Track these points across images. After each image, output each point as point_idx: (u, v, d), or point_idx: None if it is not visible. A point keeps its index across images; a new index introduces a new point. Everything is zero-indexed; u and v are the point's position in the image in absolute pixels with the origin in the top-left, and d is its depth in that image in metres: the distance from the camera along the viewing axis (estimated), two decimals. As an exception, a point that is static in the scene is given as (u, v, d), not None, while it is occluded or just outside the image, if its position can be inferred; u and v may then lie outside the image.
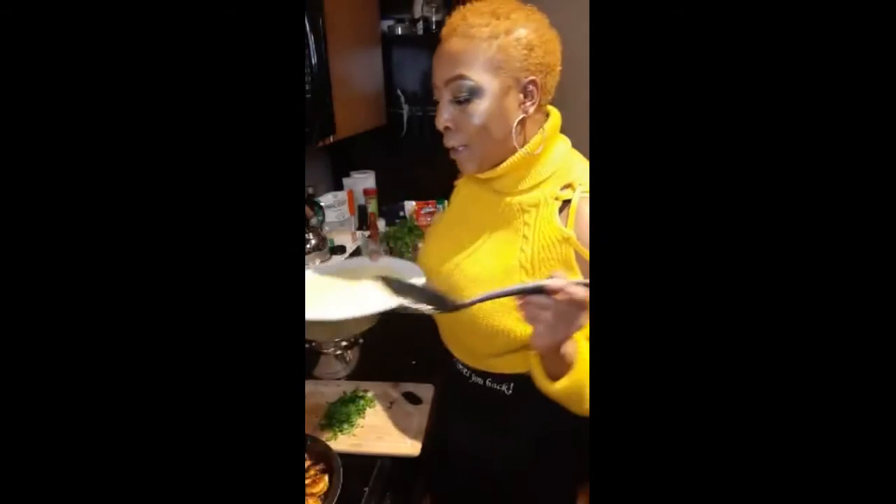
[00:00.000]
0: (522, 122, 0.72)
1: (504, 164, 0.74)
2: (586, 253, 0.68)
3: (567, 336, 0.62)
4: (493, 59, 0.68)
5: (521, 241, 0.74)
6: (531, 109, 0.71)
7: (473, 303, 0.67)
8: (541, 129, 0.74)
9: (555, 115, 0.78)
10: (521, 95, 0.71)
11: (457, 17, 0.71)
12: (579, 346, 0.67)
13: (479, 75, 0.68)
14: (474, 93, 0.69)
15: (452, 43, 0.70)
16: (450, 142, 0.74)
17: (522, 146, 0.73)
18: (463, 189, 0.88)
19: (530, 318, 0.62)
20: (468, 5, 0.72)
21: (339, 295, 0.84)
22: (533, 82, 0.70)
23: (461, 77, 0.69)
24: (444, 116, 0.72)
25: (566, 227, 0.71)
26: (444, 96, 0.72)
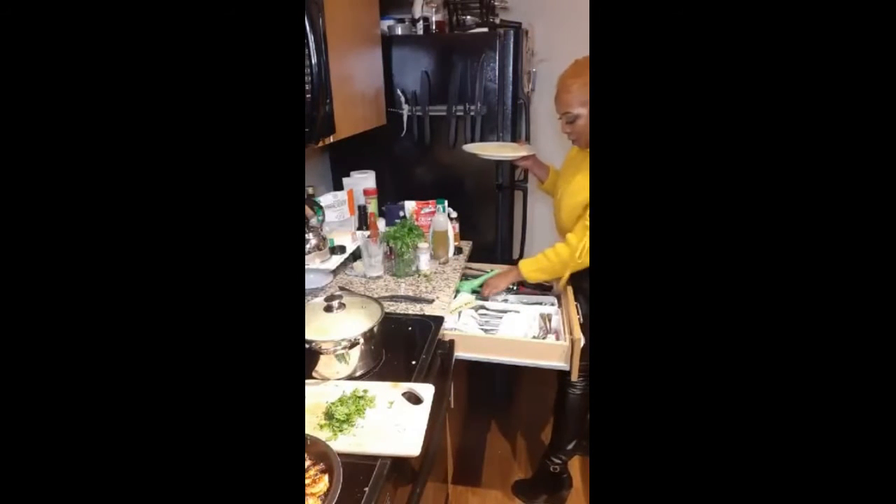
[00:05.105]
0: None
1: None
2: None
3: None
4: (581, 99, 1.45)
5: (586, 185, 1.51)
6: None
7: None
8: None
9: None
10: None
11: (564, 77, 1.48)
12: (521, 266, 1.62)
13: (576, 109, 1.46)
14: (576, 118, 1.48)
15: (562, 93, 1.49)
16: (569, 137, 1.55)
17: None
18: (576, 154, 1.64)
19: None
20: (566, 71, 1.49)
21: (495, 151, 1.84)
22: None
23: (567, 112, 1.49)
24: (566, 128, 1.53)
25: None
26: (563, 119, 1.51)
